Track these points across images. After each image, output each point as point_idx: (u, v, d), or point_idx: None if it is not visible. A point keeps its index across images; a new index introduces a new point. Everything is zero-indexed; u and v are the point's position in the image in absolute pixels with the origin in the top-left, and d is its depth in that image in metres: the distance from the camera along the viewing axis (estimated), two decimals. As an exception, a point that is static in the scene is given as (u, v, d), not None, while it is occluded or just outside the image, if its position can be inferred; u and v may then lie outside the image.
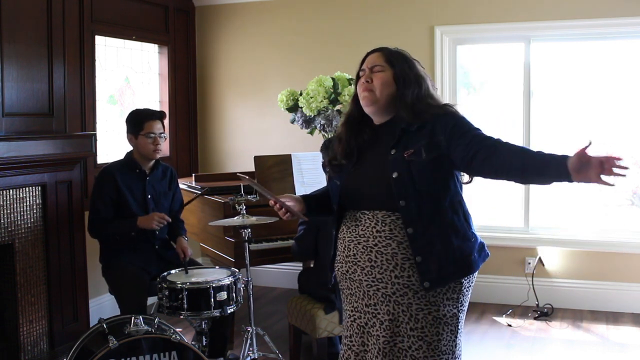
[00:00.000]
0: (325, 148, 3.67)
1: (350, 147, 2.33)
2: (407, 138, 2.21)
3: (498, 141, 2.11)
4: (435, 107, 2.25)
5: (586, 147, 1.85)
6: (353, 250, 2.27)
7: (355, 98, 2.37)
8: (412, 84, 2.25)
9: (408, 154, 2.17)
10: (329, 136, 4.53)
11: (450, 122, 2.19)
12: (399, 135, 2.22)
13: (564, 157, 1.89)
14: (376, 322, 2.23)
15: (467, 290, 2.26)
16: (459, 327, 2.25)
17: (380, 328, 2.22)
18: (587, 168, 1.84)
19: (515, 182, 2.14)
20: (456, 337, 2.23)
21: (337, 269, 2.38)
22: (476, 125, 2.21)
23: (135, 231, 3.67)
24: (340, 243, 2.35)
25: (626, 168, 1.82)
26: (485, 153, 2.07)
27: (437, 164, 2.17)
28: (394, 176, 2.17)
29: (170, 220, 3.76)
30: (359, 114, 2.35)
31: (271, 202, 2.36)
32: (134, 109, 3.93)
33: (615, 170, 1.82)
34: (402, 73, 2.26)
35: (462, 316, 2.27)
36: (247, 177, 2.43)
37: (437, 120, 2.20)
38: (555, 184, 2.01)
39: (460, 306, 2.24)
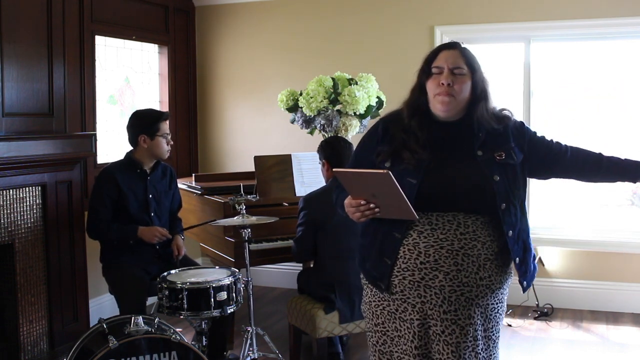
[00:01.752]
0: (323, 149, 3.67)
1: (425, 142, 2.17)
2: (492, 141, 2.20)
3: (574, 147, 2.32)
4: (502, 110, 2.29)
5: None
6: (434, 256, 2.14)
7: (421, 89, 2.22)
8: (486, 90, 2.23)
9: (500, 157, 2.18)
10: (329, 136, 4.53)
11: (524, 129, 2.30)
12: (485, 137, 2.20)
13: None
14: (455, 328, 2.17)
15: None
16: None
17: (460, 334, 2.17)
18: None
19: (584, 181, 2.39)
20: (499, 330, 2.32)
21: (400, 277, 2.19)
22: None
23: (134, 240, 3.68)
24: (410, 249, 2.17)
25: None
26: (572, 160, 2.29)
27: (522, 167, 2.24)
28: (495, 179, 2.15)
29: (170, 237, 3.76)
30: (427, 108, 2.22)
31: (360, 201, 2.11)
32: (140, 110, 3.93)
33: None
34: (479, 79, 2.20)
35: None
36: (347, 170, 2.12)
37: (509, 125, 2.26)
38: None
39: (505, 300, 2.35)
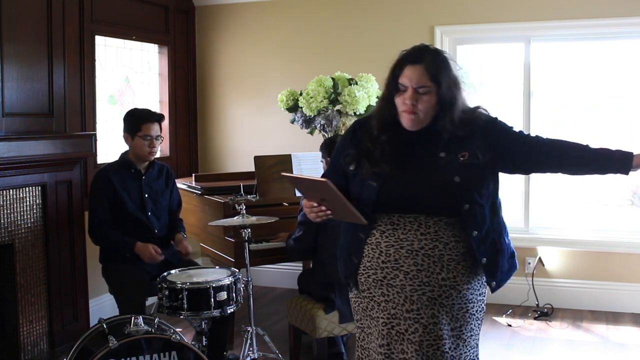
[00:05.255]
0: (327, 147, 3.66)
1: (392, 150, 2.21)
2: (457, 142, 2.20)
3: (552, 139, 2.25)
4: (474, 110, 2.26)
5: None
6: (394, 255, 2.20)
7: (389, 99, 2.24)
8: (454, 102, 2.19)
9: (464, 157, 2.17)
10: (329, 136, 4.53)
11: (495, 126, 2.26)
12: (447, 139, 2.19)
13: (629, 153, 2.16)
14: (419, 327, 2.19)
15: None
16: (481, 322, 2.33)
17: (423, 333, 2.18)
18: None
19: (571, 174, 2.31)
20: (479, 331, 2.30)
21: (367, 275, 2.26)
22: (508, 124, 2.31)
23: (130, 254, 3.67)
24: (371, 248, 2.25)
25: None
26: (548, 151, 2.21)
27: (491, 166, 2.21)
28: (456, 180, 2.15)
29: (163, 259, 3.70)
30: (394, 118, 2.24)
31: (312, 203, 2.21)
32: (132, 109, 3.92)
33: None
34: (449, 94, 2.17)
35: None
36: (292, 175, 2.26)
37: (479, 124, 2.23)
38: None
39: (485, 301, 2.32)
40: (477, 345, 2.30)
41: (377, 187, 2.20)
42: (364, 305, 2.31)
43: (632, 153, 2.16)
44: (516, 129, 2.30)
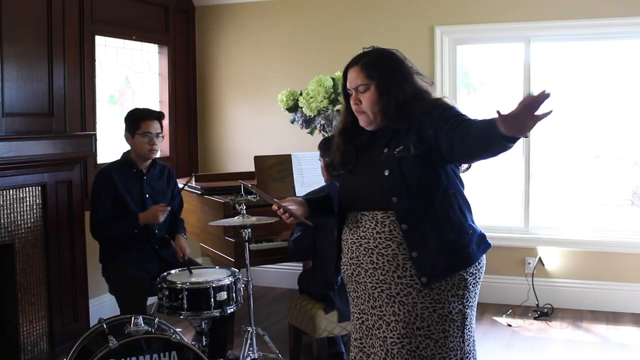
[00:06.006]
0: (324, 147, 3.67)
1: (349, 154, 2.34)
2: (398, 137, 2.22)
3: (473, 120, 2.03)
4: (426, 103, 2.22)
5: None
6: (356, 253, 2.29)
7: (348, 108, 2.34)
8: (395, 92, 2.21)
9: (398, 151, 2.18)
10: (329, 136, 4.53)
11: (437, 112, 2.16)
12: (391, 135, 2.24)
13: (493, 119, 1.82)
14: (382, 323, 2.23)
15: (472, 286, 2.24)
16: (467, 323, 2.24)
17: (387, 329, 2.22)
18: (518, 118, 1.73)
19: (487, 157, 1.99)
20: (463, 333, 2.23)
21: (343, 271, 2.40)
22: (463, 113, 2.13)
23: (138, 229, 3.68)
24: (344, 245, 2.36)
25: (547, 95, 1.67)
26: (462, 133, 2.00)
27: (426, 158, 2.16)
28: (385, 174, 2.19)
29: (169, 208, 3.75)
30: (354, 123, 2.33)
31: (274, 207, 2.36)
32: (132, 109, 3.93)
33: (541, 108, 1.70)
34: (383, 86, 2.21)
35: (470, 312, 2.25)
36: (249, 185, 2.46)
37: (425, 115, 2.19)
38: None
39: (466, 302, 2.22)
40: (461, 348, 2.22)
41: (339, 186, 2.36)
42: (350, 300, 2.41)
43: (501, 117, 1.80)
44: (465, 116, 2.10)
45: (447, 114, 2.13)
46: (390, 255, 2.19)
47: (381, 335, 2.24)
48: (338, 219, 2.38)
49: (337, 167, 2.36)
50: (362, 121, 2.28)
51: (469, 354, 2.26)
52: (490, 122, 1.87)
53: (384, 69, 2.24)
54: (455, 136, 2.02)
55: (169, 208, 3.74)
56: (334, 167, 2.38)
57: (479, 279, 2.26)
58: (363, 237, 2.26)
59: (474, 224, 2.27)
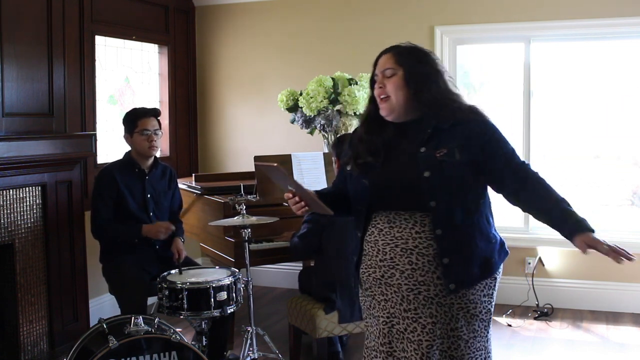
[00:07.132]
0: (339, 143, 3.64)
1: (375, 145, 2.26)
2: (438, 136, 2.18)
3: (527, 175, 2.18)
4: (464, 107, 2.22)
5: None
6: (390, 254, 2.21)
7: (372, 99, 2.31)
8: (425, 81, 2.19)
9: (440, 154, 2.14)
10: (329, 136, 4.53)
11: (486, 132, 2.19)
12: (431, 132, 2.19)
13: (577, 229, 2.29)
14: (417, 326, 2.18)
15: (497, 285, 2.30)
16: (490, 323, 2.29)
17: (422, 332, 2.17)
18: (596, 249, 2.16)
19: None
20: (488, 332, 2.27)
21: (366, 274, 2.29)
22: (507, 139, 2.23)
23: (139, 239, 3.68)
24: (370, 247, 2.27)
25: (631, 259, 2.06)
26: (529, 196, 2.18)
27: (468, 168, 2.16)
28: (425, 175, 2.14)
29: (174, 228, 3.76)
30: (377, 114, 2.28)
31: (288, 195, 2.25)
32: (129, 109, 3.94)
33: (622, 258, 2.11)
34: (412, 72, 2.20)
35: (492, 311, 2.30)
36: (274, 165, 2.22)
37: (470, 124, 2.18)
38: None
39: (493, 301, 2.28)
40: (485, 347, 2.26)
41: (368, 185, 2.24)
42: (368, 304, 2.32)
43: (580, 230, 2.28)
44: (509, 146, 2.22)
45: (498, 142, 2.20)
46: (431, 256, 2.16)
47: (415, 338, 2.17)
48: (364, 219, 2.29)
49: (363, 155, 2.26)
50: (383, 109, 2.23)
51: (490, 353, 2.30)
52: (562, 218, 2.28)
53: (415, 60, 2.23)
54: (521, 191, 2.19)
55: (173, 228, 3.76)
56: (359, 155, 2.28)
57: (500, 277, 2.33)
58: (399, 238, 2.19)
59: (496, 232, 2.30)
